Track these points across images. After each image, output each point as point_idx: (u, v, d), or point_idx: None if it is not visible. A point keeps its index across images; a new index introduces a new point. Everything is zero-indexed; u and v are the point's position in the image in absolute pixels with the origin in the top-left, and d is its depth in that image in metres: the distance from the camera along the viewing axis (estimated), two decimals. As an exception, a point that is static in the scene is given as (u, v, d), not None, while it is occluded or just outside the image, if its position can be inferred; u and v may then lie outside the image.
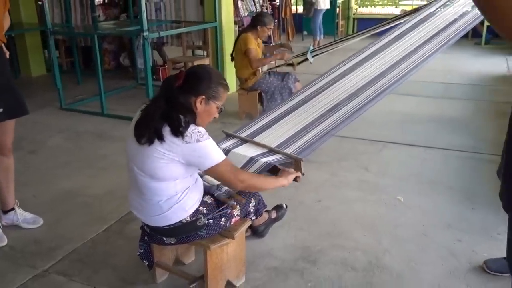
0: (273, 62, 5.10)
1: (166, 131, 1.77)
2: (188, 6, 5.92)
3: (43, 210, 2.92)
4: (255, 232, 2.57)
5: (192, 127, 1.79)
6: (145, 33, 4.36)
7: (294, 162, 2.14)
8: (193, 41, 6.31)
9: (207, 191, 2.07)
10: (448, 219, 2.78)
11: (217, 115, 1.95)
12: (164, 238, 2.01)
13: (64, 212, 2.95)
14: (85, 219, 2.87)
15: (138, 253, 2.15)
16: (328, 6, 9.23)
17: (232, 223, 2.07)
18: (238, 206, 2.06)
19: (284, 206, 2.69)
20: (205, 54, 6.19)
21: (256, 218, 2.35)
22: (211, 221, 1.98)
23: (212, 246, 1.95)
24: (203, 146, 1.79)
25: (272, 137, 2.40)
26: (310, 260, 2.41)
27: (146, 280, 2.26)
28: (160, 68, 6.59)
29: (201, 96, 1.84)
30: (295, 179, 2.11)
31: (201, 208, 1.96)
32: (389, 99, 5.31)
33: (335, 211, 2.92)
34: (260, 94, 4.67)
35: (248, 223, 2.19)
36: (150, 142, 1.78)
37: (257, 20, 4.49)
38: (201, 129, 1.81)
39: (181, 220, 1.91)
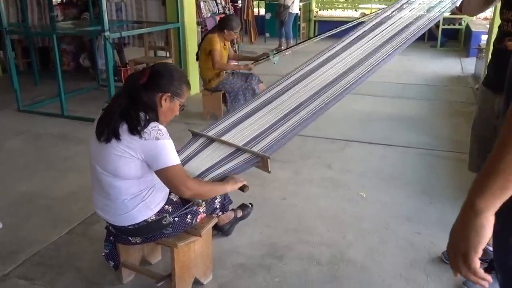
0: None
1: (124, 129, 1.76)
2: (150, 7, 5.86)
3: (2, 213, 2.83)
4: (221, 230, 2.58)
5: (152, 124, 1.79)
6: (107, 33, 4.30)
7: (261, 160, 2.17)
8: (155, 42, 6.24)
9: None
10: (407, 213, 2.88)
11: (177, 113, 1.98)
12: (130, 238, 1.99)
13: (25, 215, 2.87)
14: (47, 221, 2.81)
15: (103, 254, 2.12)
16: (297, 10, 9.39)
17: (198, 220, 2.08)
18: (203, 203, 2.07)
19: (250, 205, 2.72)
20: (168, 54, 6.14)
21: (223, 213, 2.37)
22: (176, 219, 1.98)
23: (179, 244, 1.95)
24: (160, 145, 1.77)
25: (238, 136, 2.43)
26: (277, 256, 2.45)
27: (112, 281, 2.24)
28: (122, 69, 6.49)
29: (166, 94, 1.87)
30: (242, 189, 2.09)
31: (166, 206, 1.96)
32: (350, 99, 5.45)
33: (300, 208, 2.97)
34: (224, 95, 4.69)
35: (215, 220, 2.21)
36: (108, 140, 1.78)
37: (224, 24, 4.52)
38: (162, 127, 1.81)
39: (146, 219, 1.91)
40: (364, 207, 2.99)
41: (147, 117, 1.79)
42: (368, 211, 2.93)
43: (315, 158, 3.79)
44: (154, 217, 1.92)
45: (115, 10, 6.04)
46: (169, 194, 2.02)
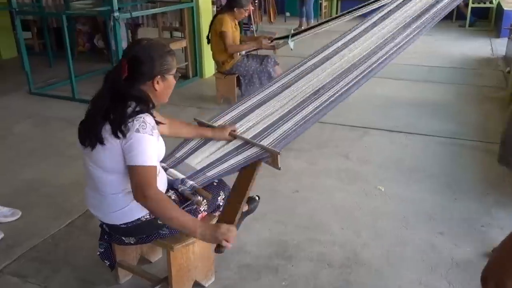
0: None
1: (107, 130, 1.60)
2: (164, -15, 5.66)
3: (3, 203, 2.72)
4: (227, 226, 2.42)
5: (140, 115, 1.61)
6: (116, 14, 4.13)
7: (271, 156, 1.98)
8: (170, 22, 6.05)
9: (170, 186, 1.91)
10: (429, 209, 2.67)
11: (174, 82, 1.78)
12: (124, 238, 1.85)
13: (26, 205, 2.75)
14: (48, 212, 2.69)
15: (98, 253, 1.99)
16: None
17: (198, 219, 1.91)
18: (204, 201, 1.91)
19: (257, 198, 2.53)
20: (183, 36, 5.94)
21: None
22: (173, 218, 1.83)
23: (176, 246, 1.79)
24: (139, 138, 1.58)
25: (248, 127, 2.24)
26: (286, 256, 2.27)
27: (109, 280, 2.11)
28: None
29: (156, 77, 1.68)
30: (219, 249, 1.65)
31: (162, 204, 1.80)
32: (370, 82, 5.14)
33: (314, 202, 2.79)
34: (238, 78, 4.49)
35: (216, 218, 2.03)
36: (92, 146, 1.65)
37: (233, 1, 4.29)
38: (149, 120, 1.62)
39: (139, 218, 1.75)
40: (382, 202, 2.78)
41: (137, 109, 1.62)
42: (386, 207, 2.72)
43: (332, 147, 3.58)
44: (148, 216, 1.76)
45: (128, -11, 5.86)
46: (167, 191, 1.86)
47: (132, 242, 1.86)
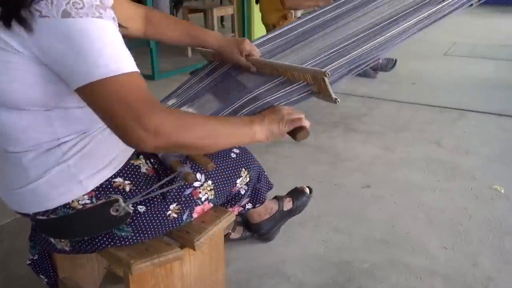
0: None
1: None
2: None
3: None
4: (256, 232, 1.52)
5: None
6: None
7: (315, 83, 1.07)
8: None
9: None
10: None
11: None
12: (52, 240, 1.00)
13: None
14: None
15: (28, 262, 1.16)
16: None
17: (194, 216, 1.02)
18: (203, 176, 1.02)
19: (307, 191, 1.60)
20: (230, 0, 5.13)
21: (253, 207, 1.29)
22: (142, 208, 0.95)
23: (137, 265, 0.91)
24: (76, 28, 0.70)
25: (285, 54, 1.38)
26: (350, 290, 1.34)
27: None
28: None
29: None
30: (293, 135, 0.97)
31: (118, 180, 0.92)
32: (459, 62, 4.13)
33: (394, 203, 1.83)
34: (292, 45, 3.59)
35: (232, 216, 1.12)
36: None
37: None
38: None
39: (69, 203, 0.88)
40: (505, 209, 1.77)
41: None
42: (513, 218, 1.72)
43: (415, 131, 2.59)
44: (89, 201, 0.89)
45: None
46: (132, 156, 0.98)
47: (67, 249, 0.99)
